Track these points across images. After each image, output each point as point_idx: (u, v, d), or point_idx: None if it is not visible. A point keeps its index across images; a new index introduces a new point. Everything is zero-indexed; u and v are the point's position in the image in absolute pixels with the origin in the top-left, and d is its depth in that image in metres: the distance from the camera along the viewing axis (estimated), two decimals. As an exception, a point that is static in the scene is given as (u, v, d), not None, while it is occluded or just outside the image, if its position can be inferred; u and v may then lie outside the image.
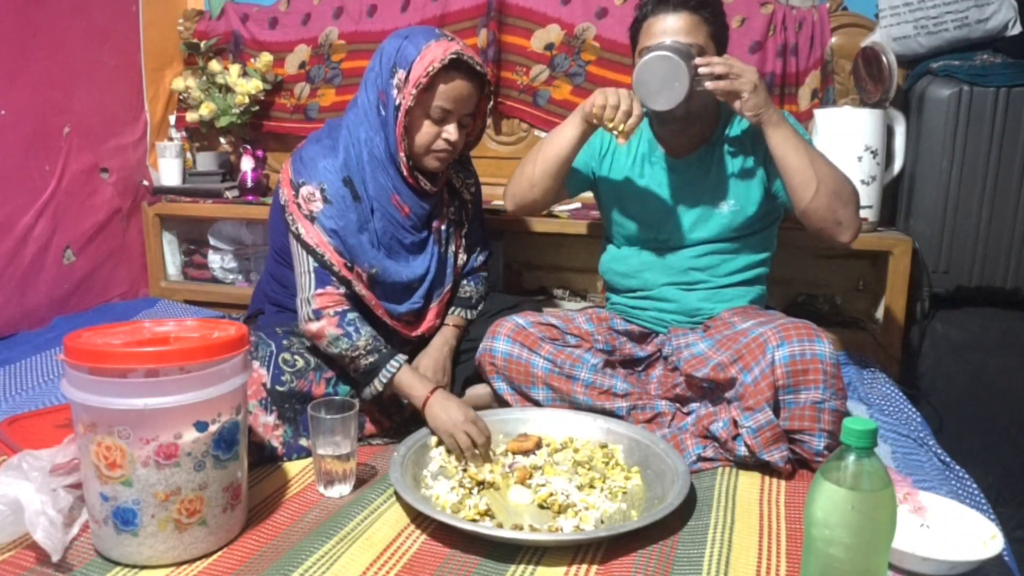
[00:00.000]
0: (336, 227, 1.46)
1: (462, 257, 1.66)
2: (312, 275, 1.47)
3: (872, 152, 1.91)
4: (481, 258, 1.74)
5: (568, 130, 1.49)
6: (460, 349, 1.64)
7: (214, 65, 2.44)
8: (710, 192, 1.55)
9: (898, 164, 1.99)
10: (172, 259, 2.53)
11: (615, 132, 1.39)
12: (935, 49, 1.94)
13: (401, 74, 1.42)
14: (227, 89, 2.43)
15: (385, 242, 1.52)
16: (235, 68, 2.42)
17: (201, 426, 1.06)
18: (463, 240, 1.66)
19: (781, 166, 1.41)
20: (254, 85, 2.39)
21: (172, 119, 2.55)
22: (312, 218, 1.46)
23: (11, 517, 1.10)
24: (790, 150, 1.39)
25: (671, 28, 1.42)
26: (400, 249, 1.54)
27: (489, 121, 2.36)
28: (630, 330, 1.62)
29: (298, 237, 1.47)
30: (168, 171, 2.46)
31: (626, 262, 1.63)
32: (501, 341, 1.51)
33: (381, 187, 1.49)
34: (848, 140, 1.92)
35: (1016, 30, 1.86)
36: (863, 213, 1.94)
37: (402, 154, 1.46)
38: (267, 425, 1.42)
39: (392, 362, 1.44)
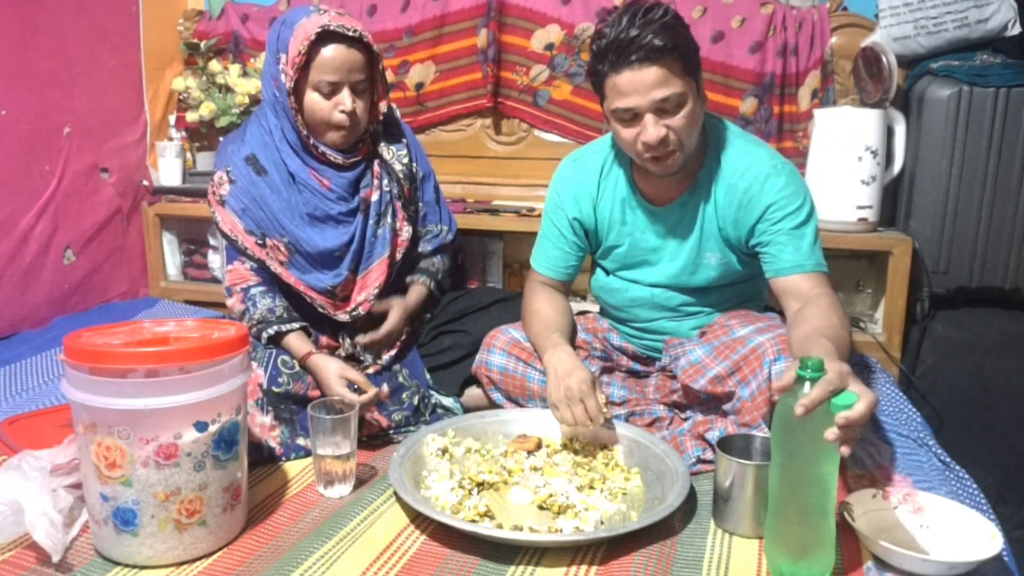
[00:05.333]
0: (243, 204, 1.55)
1: (407, 230, 1.66)
2: (224, 252, 1.58)
3: (872, 152, 1.91)
4: (450, 237, 1.78)
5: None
6: (460, 353, 1.64)
7: (214, 65, 2.44)
8: (696, 242, 1.45)
9: (898, 164, 1.99)
10: (172, 259, 2.53)
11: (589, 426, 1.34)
12: (935, 49, 1.94)
13: (284, 58, 1.48)
14: (227, 89, 2.42)
15: (309, 212, 1.56)
16: (235, 68, 2.42)
17: (201, 426, 1.06)
18: (404, 213, 1.67)
19: None
20: (254, 85, 2.38)
21: (172, 119, 2.55)
22: (223, 201, 1.55)
23: (11, 517, 1.10)
24: None
25: (642, 86, 1.26)
26: (327, 219, 1.58)
27: (489, 121, 2.38)
28: (625, 347, 1.60)
29: (216, 224, 1.56)
30: (168, 171, 2.46)
31: (615, 296, 1.56)
32: (496, 355, 1.50)
33: (298, 165, 1.55)
34: (848, 140, 1.92)
35: (1016, 30, 1.86)
36: (863, 213, 1.95)
37: (304, 133, 1.52)
38: (264, 425, 1.42)
39: (283, 326, 1.50)
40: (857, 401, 0.96)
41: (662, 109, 1.29)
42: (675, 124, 1.30)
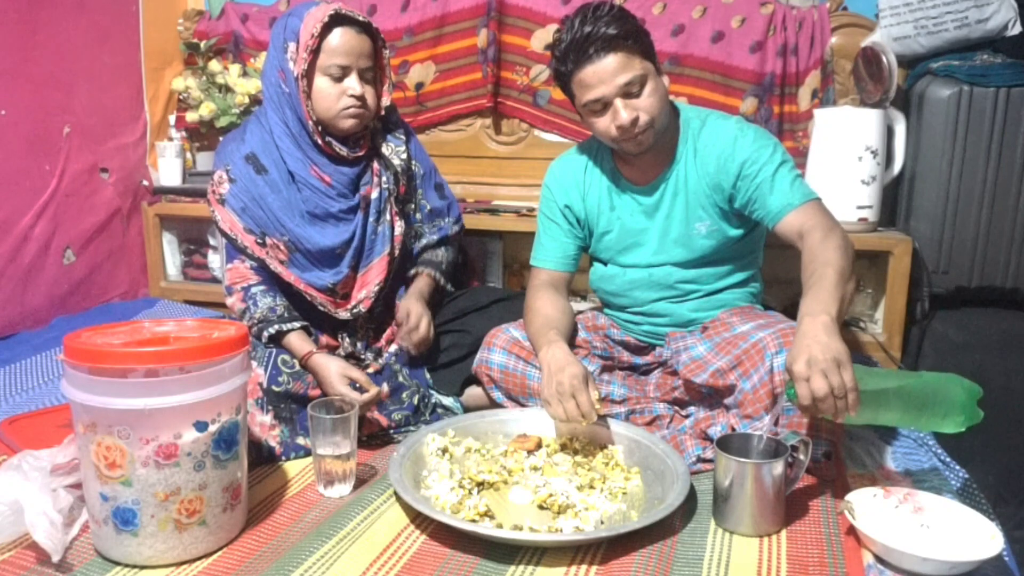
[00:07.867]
0: (243, 203, 1.56)
1: (399, 226, 1.66)
2: (224, 251, 1.58)
3: (872, 152, 1.91)
4: (456, 228, 1.78)
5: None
6: (460, 353, 1.65)
7: (214, 65, 2.44)
8: (683, 213, 1.50)
9: (898, 164, 1.99)
10: (172, 259, 2.53)
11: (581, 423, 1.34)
12: (935, 49, 1.94)
13: (292, 46, 1.50)
14: (227, 89, 2.43)
15: (309, 210, 1.56)
16: (235, 68, 2.42)
17: (201, 426, 1.06)
18: (396, 208, 1.66)
19: None
20: (254, 85, 2.39)
21: (172, 119, 2.55)
22: (222, 200, 1.56)
23: (11, 517, 1.10)
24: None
25: (606, 74, 1.35)
26: (327, 217, 1.58)
27: (489, 121, 2.38)
28: (626, 341, 1.61)
29: (216, 224, 1.57)
30: (168, 171, 2.46)
31: (614, 281, 1.59)
32: (497, 353, 1.51)
33: (299, 161, 1.55)
34: (848, 140, 1.92)
35: (1016, 30, 1.86)
36: (863, 213, 1.95)
37: (311, 121, 1.52)
38: (264, 424, 1.42)
39: (284, 325, 1.50)
40: (796, 392, 1.12)
41: (628, 93, 1.37)
42: (643, 104, 1.38)
